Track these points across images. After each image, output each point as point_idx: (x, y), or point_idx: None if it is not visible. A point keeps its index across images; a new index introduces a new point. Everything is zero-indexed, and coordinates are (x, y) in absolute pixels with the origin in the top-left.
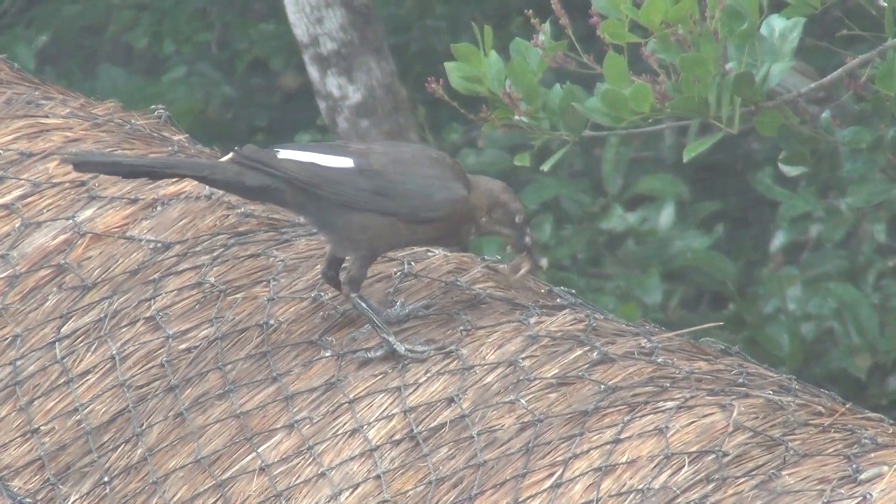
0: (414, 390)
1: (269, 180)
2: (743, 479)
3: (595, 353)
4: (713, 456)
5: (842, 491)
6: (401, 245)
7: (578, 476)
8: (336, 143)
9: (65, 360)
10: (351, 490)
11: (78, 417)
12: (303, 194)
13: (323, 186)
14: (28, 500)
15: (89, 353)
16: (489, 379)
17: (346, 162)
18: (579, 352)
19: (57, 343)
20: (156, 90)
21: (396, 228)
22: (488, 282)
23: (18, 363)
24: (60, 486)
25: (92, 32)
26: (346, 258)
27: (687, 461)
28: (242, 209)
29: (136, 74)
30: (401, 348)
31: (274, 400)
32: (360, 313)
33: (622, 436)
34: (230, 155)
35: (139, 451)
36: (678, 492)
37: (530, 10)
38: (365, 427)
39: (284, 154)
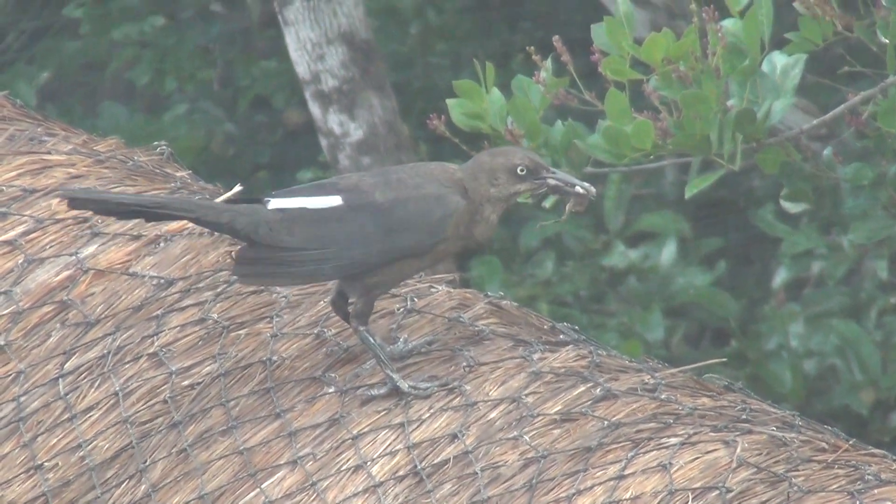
0: (417, 426)
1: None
2: None
3: (598, 390)
4: (717, 492)
5: None
6: (415, 274)
7: None
8: (325, 183)
9: (68, 397)
10: None
11: (82, 453)
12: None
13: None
14: None
15: (93, 390)
16: (493, 415)
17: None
18: (583, 388)
19: (60, 379)
20: (158, 127)
21: (408, 266)
22: (491, 318)
23: (22, 399)
24: None
25: (94, 69)
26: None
27: (691, 497)
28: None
29: (137, 112)
30: (404, 385)
31: (277, 436)
32: (365, 347)
33: (626, 472)
34: (236, 188)
35: (143, 488)
36: None
37: (532, 47)
38: (368, 463)
39: (276, 204)
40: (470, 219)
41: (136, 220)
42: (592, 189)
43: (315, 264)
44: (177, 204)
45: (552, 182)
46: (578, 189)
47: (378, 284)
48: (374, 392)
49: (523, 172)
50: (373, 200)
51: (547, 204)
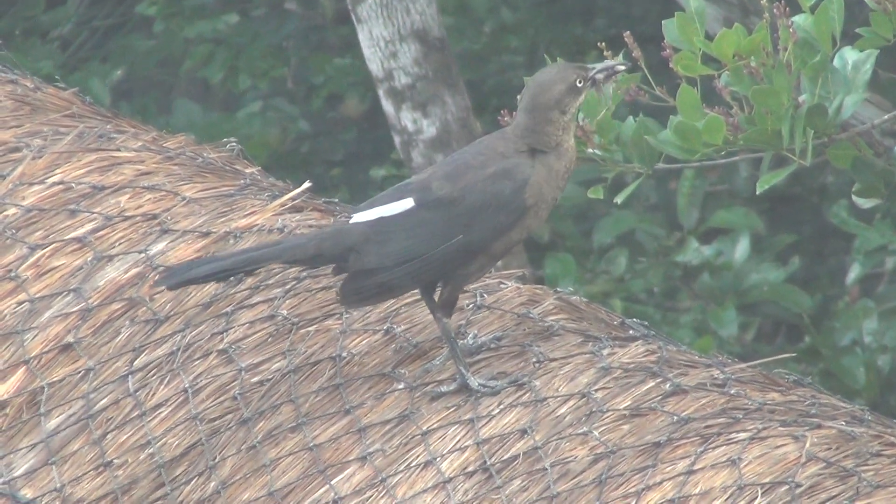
0: (487, 422)
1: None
2: None
3: (668, 385)
4: (786, 487)
5: None
6: (512, 248)
7: None
8: (401, 185)
9: (137, 394)
10: None
11: (151, 451)
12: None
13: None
14: None
15: (162, 387)
16: (562, 410)
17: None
18: (652, 383)
19: (129, 376)
20: (231, 125)
21: (499, 247)
22: (560, 314)
23: (91, 396)
24: None
25: (167, 67)
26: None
27: (760, 492)
28: None
29: (211, 109)
30: (474, 383)
31: (347, 432)
32: (436, 342)
33: (695, 467)
34: (305, 185)
35: (212, 485)
36: None
37: (603, 43)
38: (438, 459)
39: (357, 217)
40: (548, 173)
41: (205, 217)
42: (622, 65)
43: (409, 277)
44: (264, 256)
45: (599, 77)
46: (619, 67)
47: (472, 273)
48: (444, 388)
49: (581, 84)
50: (442, 196)
51: (619, 199)
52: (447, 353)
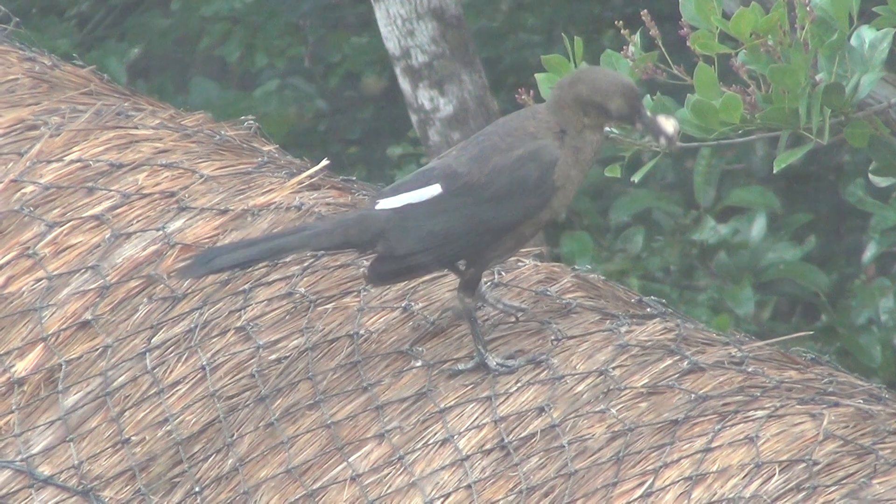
0: (504, 400)
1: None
2: (833, 488)
3: (685, 363)
4: (803, 465)
5: None
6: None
7: (669, 485)
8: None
9: (155, 371)
10: (442, 499)
11: (168, 428)
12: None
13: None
14: None
15: (179, 364)
16: (579, 388)
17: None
18: (669, 361)
19: (147, 354)
20: (248, 103)
21: (527, 228)
22: (578, 291)
23: (109, 374)
24: (151, 497)
25: (184, 46)
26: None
27: (777, 470)
28: None
29: (228, 88)
30: (492, 362)
31: (364, 410)
32: (455, 320)
33: (712, 445)
34: (322, 163)
35: (230, 462)
36: (769, 500)
37: (621, 22)
38: (455, 437)
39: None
40: (575, 155)
41: (223, 195)
42: (675, 142)
43: (437, 261)
44: (291, 244)
45: (639, 126)
46: (661, 140)
47: (501, 255)
48: (461, 367)
49: (616, 115)
50: (469, 181)
51: (636, 178)
52: (473, 341)
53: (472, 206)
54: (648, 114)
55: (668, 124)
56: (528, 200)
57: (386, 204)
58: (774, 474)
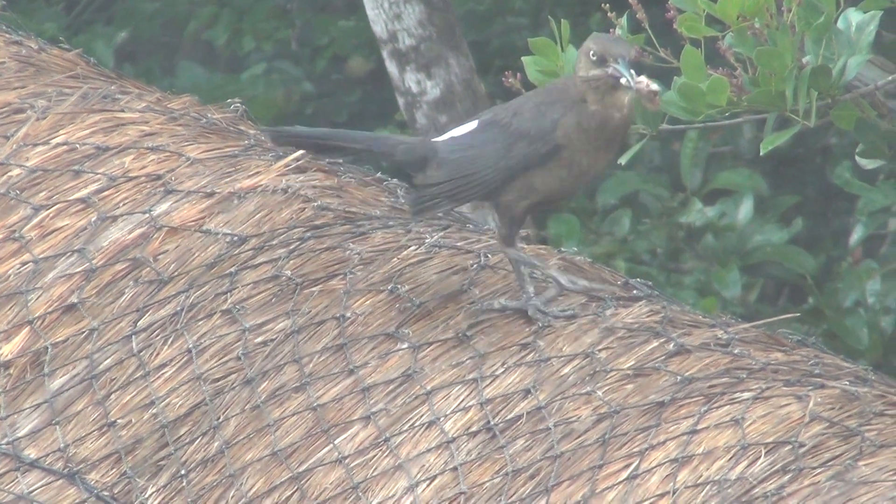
0: (490, 382)
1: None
2: (819, 470)
3: (671, 345)
4: (789, 447)
5: None
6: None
7: (655, 467)
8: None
9: (141, 354)
10: (428, 482)
11: (154, 411)
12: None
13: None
14: (105, 493)
15: (166, 347)
16: (565, 370)
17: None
18: (655, 343)
19: (133, 337)
20: (236, 87)
21: (537, 180)
22: (565, 274)
23: (95, 357)
24: (137, 479)
25: (171, 29)
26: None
27: (763, 452)
28: (318, 202)
29: (215, 71)
30: (532, 308)
31: (350, 392)
32: (451, 295)
33: (698, 427)
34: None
35: (216, 444)
36: (754, 482)
37: (607, 5)
38: (441, 419)
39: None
40: (579, 117)
41: (209, 178)
42: (654, 86)
43: (463, 191)
44: (359, 138)
45: (610, 71)
46: (642, 87)
47: (511, 204)
48: (502, 302)
49: (594, 58)
50: (498, 119)
51: (623, 161)
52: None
53: (495, 141)
54: (631, 71)
55: (649, 82)
56: (536, 146)
57: (438, 139)
58: (760, 456)
